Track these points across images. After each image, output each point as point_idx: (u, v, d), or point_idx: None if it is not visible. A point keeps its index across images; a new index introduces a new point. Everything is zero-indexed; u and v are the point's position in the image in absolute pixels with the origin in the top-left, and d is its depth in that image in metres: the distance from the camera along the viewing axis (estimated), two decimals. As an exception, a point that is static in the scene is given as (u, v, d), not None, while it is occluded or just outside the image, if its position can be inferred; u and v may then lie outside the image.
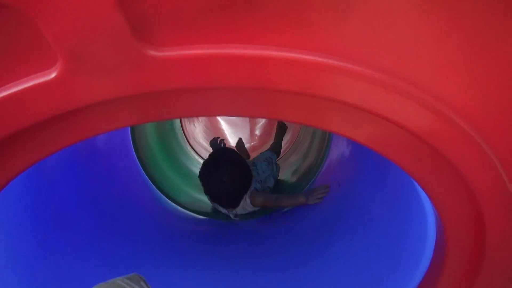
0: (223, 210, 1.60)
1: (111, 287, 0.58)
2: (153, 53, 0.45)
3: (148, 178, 1.66)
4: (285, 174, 1.90)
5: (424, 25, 0.44)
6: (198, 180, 1.60)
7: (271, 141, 2.18)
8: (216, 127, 2.68)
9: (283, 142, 2.18)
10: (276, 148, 2.04)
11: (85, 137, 0.53)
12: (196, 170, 1.97)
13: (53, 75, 0.45)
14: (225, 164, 1.45)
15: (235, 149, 2.07)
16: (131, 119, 0.52)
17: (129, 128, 1.53)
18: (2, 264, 0.88)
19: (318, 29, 0.44)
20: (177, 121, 2.16)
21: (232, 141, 2.47)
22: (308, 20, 0.43)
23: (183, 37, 0.45)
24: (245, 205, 1.53)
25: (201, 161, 1.99)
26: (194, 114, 0.54)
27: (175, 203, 1.69)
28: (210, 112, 0.54)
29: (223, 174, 1.43)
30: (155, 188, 1.67)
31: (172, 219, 1.58)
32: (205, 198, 1.69)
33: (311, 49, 0.46)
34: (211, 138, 2.02)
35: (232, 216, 1.58)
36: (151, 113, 0.51)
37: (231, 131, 2.70)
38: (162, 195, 1.67)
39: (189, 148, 2.20)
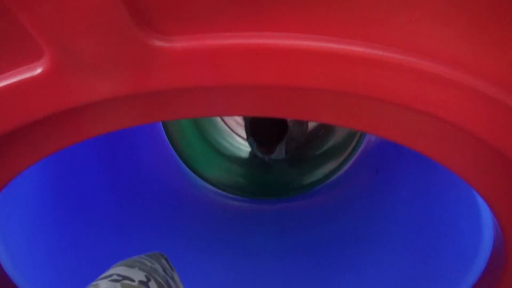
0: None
1: (132, 263, 0.55)
2: (158, 43, 0.36)
3: (175, 153, 1.61)
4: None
5: None
6: (227, 152, 1.55)
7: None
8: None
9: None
10: None
11: (83, 138, 0.45)
12: (225, 142, 1.90)
13: (38, 70, 0.37)
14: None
15: None
16: (133, 119, 0.44)
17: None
18: (25, 249, 0.86)
19: (370, 15, 0.33)
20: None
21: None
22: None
23: (197, 23, 0.35)
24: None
25: (231, 132, 1.92)
26: (211, 113, 0.45)
27: (203, 179, 1.64)
28: (229, 112, 0.44)
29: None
30: (183, 164, 1.62)
31: (199, 196, 1.54)
32: (233, 169, 1.66)
33: (361, 39, 0.35)
34: None
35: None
36: (157, 113, 0.42)
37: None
38: (189, 171, 1.62)
39: (218, 119, 2.12)
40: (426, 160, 0.98)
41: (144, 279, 0.52)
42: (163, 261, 0.63)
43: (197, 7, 0.34)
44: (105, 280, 0.50)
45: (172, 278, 0.60)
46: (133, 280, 0.51)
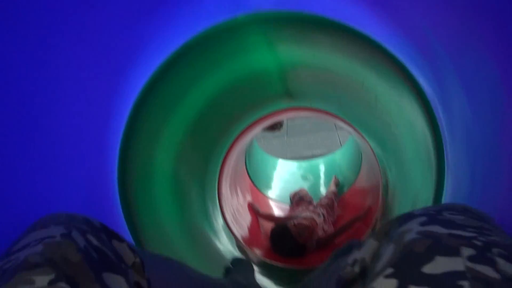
0: None
1: (43, 223, 0.50)
2: None
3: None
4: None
5: None
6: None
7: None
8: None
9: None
10: None
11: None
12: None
13: None
14: None
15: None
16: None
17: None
18: None
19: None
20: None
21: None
22: None
23: None
24: None
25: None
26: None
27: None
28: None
29: None
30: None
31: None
32: None
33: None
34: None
35: None
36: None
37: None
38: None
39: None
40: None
41: (65, 231, 0.47)
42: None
43: None
44: (25, 247, 0.45)
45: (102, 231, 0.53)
46: (53, 237, 0.46)
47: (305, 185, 2.58)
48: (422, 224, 0.42)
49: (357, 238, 1.74)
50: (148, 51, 1.10)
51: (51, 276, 0.41)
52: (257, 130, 1.99)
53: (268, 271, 1.69)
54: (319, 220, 1.92)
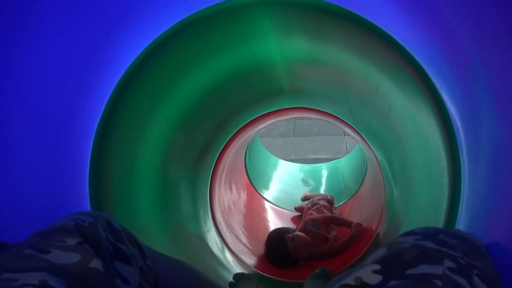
0: None
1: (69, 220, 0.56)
2: None
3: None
4: None
5: None
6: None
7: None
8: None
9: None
10: None
11: None
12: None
13: None
14: None
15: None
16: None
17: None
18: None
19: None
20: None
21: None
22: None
23: None
24: None
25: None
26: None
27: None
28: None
29: None
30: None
31: None
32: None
33: None
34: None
35: None
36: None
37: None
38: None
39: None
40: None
41: (93, 221, 0.55)
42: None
43: None
44: (59, 220, 0.54)
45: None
46: (84, 221, 0.54)
47: (305, 190, 2.43)
48: (417, 240, 0.46)
49: (351, 257, 1.60)
50: (137, 27, 0.95)
51: (79, 239, 0.50)
52: (259, 127, 1.84)
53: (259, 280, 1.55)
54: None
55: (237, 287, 1.14)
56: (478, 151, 0.69)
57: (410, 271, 0.41)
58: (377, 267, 0.44)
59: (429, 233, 0.47)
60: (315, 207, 2.00)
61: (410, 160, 1.12)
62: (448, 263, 0.41)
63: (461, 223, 0.78)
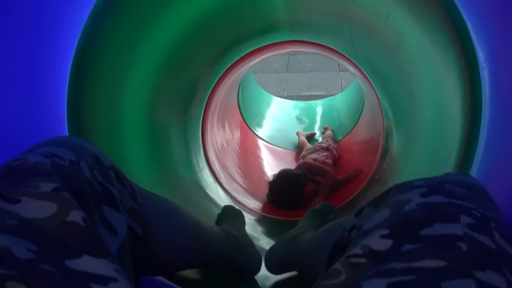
0: None
1: (58, 143, 0.48)
2: None
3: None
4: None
5: None
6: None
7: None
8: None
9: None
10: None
11: None
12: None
13: None
14: None
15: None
16: None
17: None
18: None
19: None
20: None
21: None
22: None
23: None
24: None
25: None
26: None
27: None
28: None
29: None
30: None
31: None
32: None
33: None
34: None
35: None
36: None
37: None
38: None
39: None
40: None
41: (75, 159, 0.45)
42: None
43: None
44: (35, 154, 0.43)
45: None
46: (63, 159, 0.44)
47: (299, 127, 2.36)
48: (423, 195, 0.40)
49: (343, 197, 1.57)
50: None
51: (57, 184, 0.40)
52: (252, 63, 1.71)
53: (257, 221, 1.53)
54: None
55: (222, 221, 1.09)
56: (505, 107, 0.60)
57: (424, 232, 0.35)
58: (385, 231, 0.38)
59: (432, 185, 0.41)
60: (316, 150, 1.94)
61: (417, 103, 1.02)
62: (465, 218, 0.36)
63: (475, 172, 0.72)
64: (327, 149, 1.95)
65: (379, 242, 0.37)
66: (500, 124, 0.65)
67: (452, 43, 0.77)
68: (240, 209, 1.23)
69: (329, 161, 1.87)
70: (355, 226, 0.46)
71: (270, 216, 1.59)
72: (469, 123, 0.74)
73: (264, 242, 1.34)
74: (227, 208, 1.21)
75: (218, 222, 1.11)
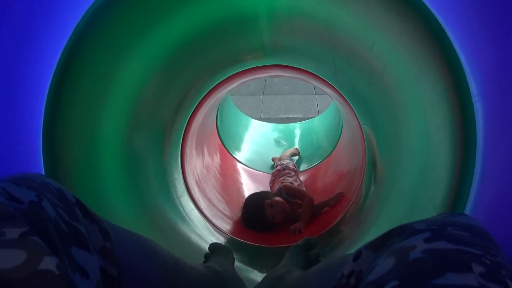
0: None
1: (18, 180, 0.42)
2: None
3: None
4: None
5: None
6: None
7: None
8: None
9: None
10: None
11: None
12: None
13: None
14: None
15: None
16: None
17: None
18: None
19: None
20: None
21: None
22: None
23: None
24: None
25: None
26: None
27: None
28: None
29: None
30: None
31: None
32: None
33: None
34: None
35: None
36: None
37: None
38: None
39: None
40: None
41: (35, 199, 0.41)
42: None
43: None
44: None
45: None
46: (21, 202, 0.39)
47: (277, 150, 2.33)
48: (427, 240, 0.38)
49: (325, 223, 1.54)
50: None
51: (23, 228, 0.35)
52: (233, 86, 1.68)
53: (234, 246, 1.46)
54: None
55: (210, 259, 1.04)
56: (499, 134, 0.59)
57: (437, 282, 0.33)
58: (395, 282, 0.35)
59: (434, 228, 0.40)
60: (285, 171, 1.95)
61: (403, 126, 1.01)
62: (476, 267, 0.35)
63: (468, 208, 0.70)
64: (293, 169, 1.97)
65: None
66: (495, 155, 0.64)
67: (440, 71, 0.76)
68: (228, 246, 1.18)
69: (303, 187, 1.87)
70: (354, 271, 0.44)
71: (249, 242, 1.55)
72: (461, 153, 0.73)
73: (248, 272, 1.28)
74: (214, 246, 1.15)
75: (205, 261, 1.06)
